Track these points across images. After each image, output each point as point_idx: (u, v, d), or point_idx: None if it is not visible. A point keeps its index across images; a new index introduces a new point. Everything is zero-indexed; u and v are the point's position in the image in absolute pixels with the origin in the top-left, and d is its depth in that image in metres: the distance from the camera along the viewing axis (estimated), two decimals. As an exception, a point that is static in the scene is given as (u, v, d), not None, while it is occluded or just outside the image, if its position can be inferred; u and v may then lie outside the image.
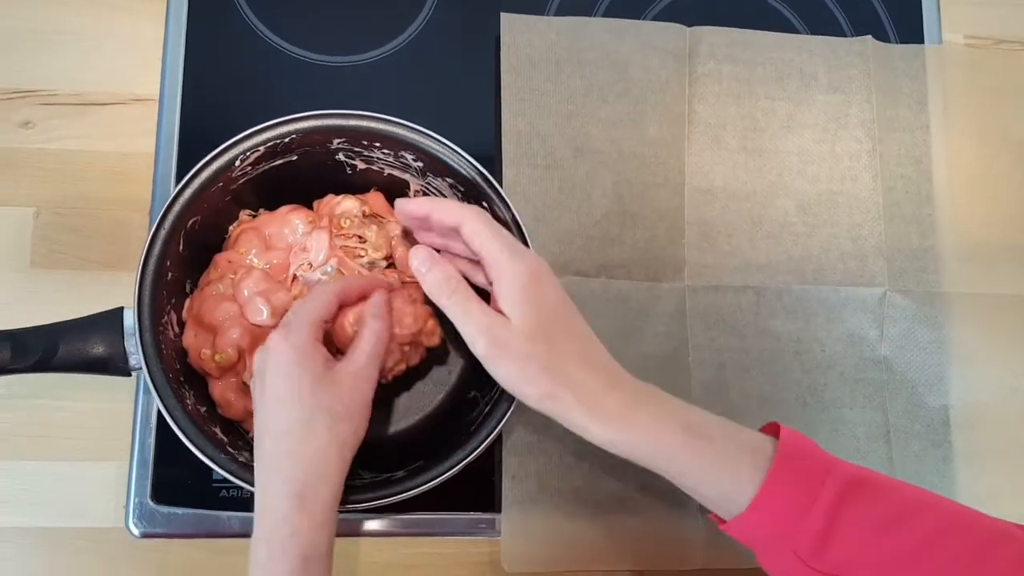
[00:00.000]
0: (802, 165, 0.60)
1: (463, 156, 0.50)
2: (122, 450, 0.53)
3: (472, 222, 0.42)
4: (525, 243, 0.49)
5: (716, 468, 0.41)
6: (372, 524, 0.54)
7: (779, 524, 0.40)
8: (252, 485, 0.44)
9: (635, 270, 0.57)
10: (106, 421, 0.54)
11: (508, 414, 0.47)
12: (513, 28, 0.59)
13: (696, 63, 0.61)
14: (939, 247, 0.61)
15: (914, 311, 0.59)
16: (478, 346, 0.41)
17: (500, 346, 0.41)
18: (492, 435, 0.47)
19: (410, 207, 0.45)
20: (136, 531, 0.52)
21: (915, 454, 0.58)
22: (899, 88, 0.63)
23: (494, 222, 0.43)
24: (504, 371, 0.41)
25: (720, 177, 0.60)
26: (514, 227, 0.50)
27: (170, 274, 0.48)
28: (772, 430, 0.43)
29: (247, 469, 0.45)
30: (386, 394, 0.55)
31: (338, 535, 0.52)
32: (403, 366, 0.50)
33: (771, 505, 0.40)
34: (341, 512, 0.44)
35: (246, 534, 0.51)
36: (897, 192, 0.61)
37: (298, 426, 0.41)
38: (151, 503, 0.52)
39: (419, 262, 0.44)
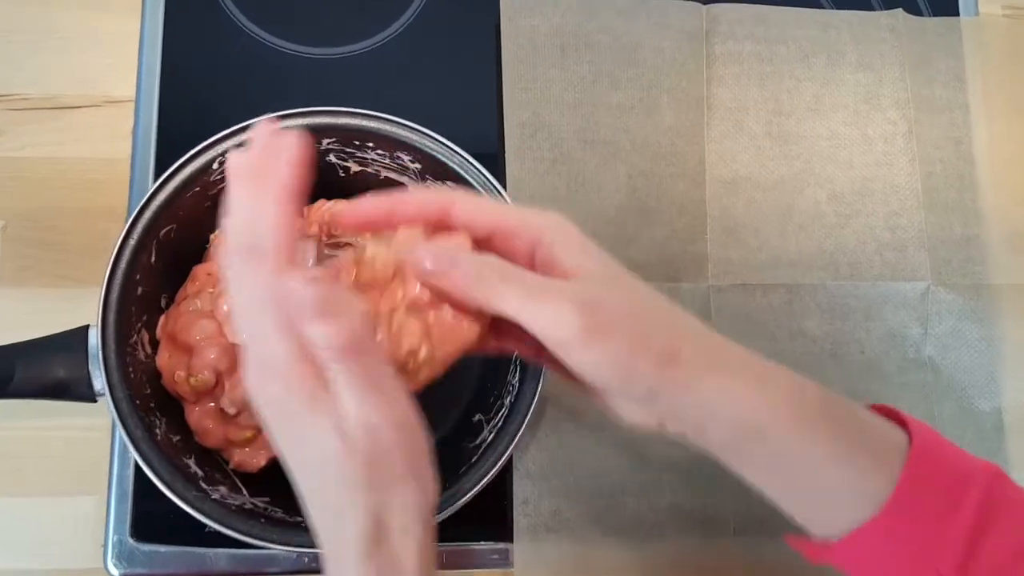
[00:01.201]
0: (832, 150, 0.55)
1: (464, 157, 0.45)
2: (99, 483, 0.48)
3: (465, 198, 0.32)
4: None
5: (833, 460, 0.30)
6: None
7: (910, 544, 0.30)
8: (222, 524, 0.39)
9: (653, 270, 0.52)
10: (81, 451, 0.48)
11: (515, 442, 0.41)
12: (514, 11, 0.54)
13: (714, 43, 0.56)
14: (985, 235, 0.55)
15: (960, 306, 0.54)
16: (570, 322, 0.29)
17: (596, 311, 0.30)
18: (498, 465, 0.41)
19: (363, 208, 0.32)
20: (116, 572, 0.46)
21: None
22: (934, 64, 0.57)
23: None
24: (613, 343, 0.30)
25: (744, 166, 0.54)
26: None
27: (140, 288, 0.43)
28: (885, 413, 0.34)
29: (220, 507, 0.40)
30: None
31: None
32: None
33: (905, 519, 0.30)
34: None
35: (233, 573, 0.47)
36: (936, 177, 0.55)
37: None
38: (131, 541, 0.47)
39: (435, 259, 0.31)
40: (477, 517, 0.46)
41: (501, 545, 0.48)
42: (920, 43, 0.57)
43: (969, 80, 0.57)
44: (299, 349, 0.28)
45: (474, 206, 0.32)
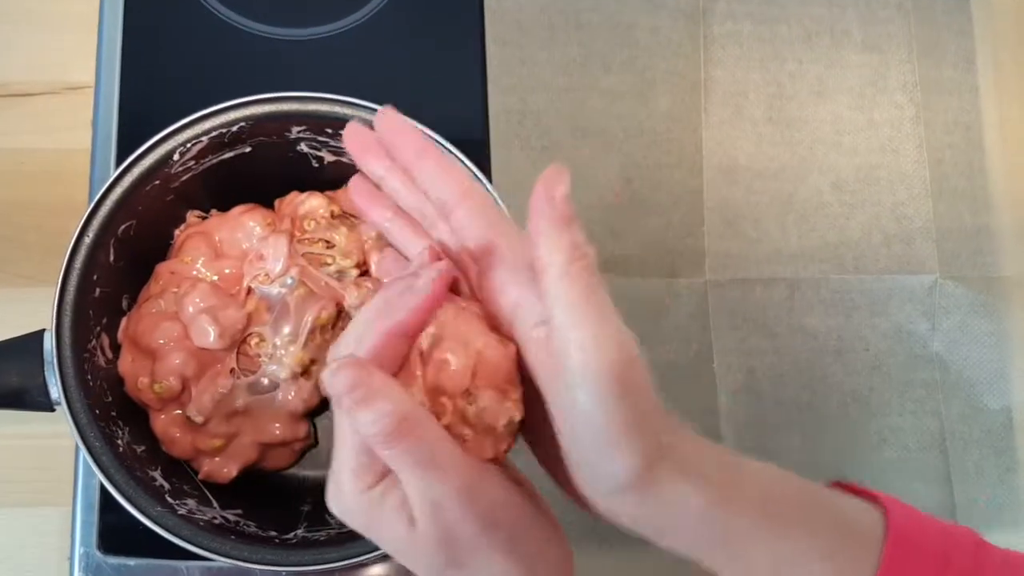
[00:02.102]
0: (836, 136, 0.53)
1: (445, 146, 0.41)
2: (64, 494, 0.45)
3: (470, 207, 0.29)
4: None
5: (808, 558, 0.27)
6: (344, 572, 0.45)
7: None
8: (189, 542, 0.37)
9: (648, 265, 0.50)
10: (45, 461, 0.46)
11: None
12: None
13: (712, 23, 0.53)
14: (995, 225, 0.53)
15: (970, 300, 0.52)
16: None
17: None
18: None
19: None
20: None
21: (975, 464, 0.51)
22: (943, 45, 0.55)
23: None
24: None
25: (743, 153, 0.52)
26: None
27: (99, 290, 0.40)
28: (856, 491, 0.31)
29: (188, 523, 0.37)
30: None
31: None
32: None
33: None
34: (295, 568, 0.37)
35: None
36: (945, 164, 0.54)
37: None
38: (99, 554, 0.44)
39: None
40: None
41: None
42: (929, 23, 0.55)
43: (979, 62, 0.55)
44: (361, 443, 0.26)
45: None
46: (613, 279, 0.49)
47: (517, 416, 0.27)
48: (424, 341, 0.27)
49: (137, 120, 0.48)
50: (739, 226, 0.51)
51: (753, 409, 0.49)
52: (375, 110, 0.41)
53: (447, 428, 0.27)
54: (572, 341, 0.25)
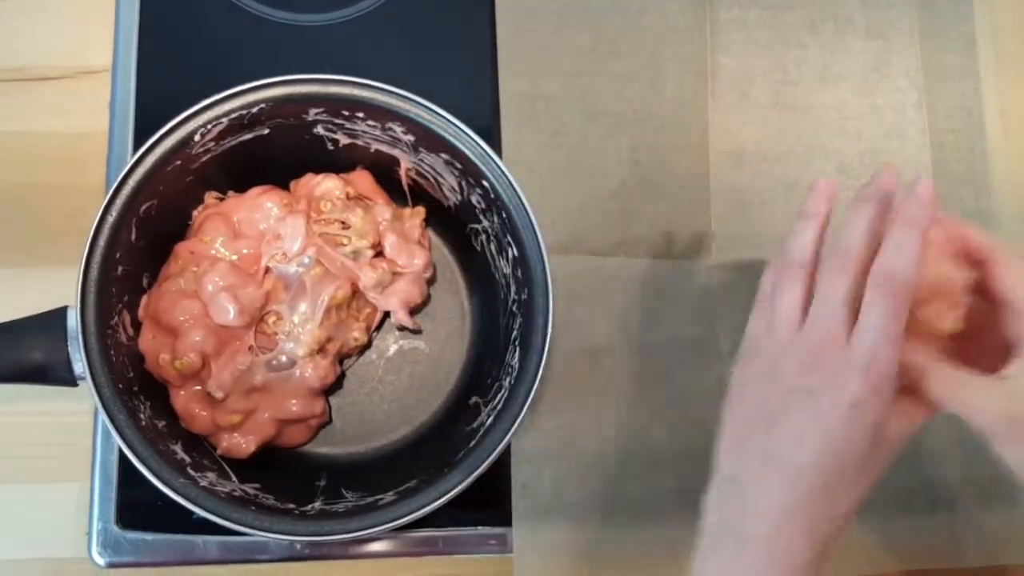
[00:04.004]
0: (841, 121, 0.53)
1: (459, 127, 0.42)
2: (82, 469, 0.46)
3: (1009, 262, 0.34)
4: (530, 224, 0.41)
5: None
6: (359, 543, 0.46)
7: None
8: (212, 513, 0.37)
9: (655, 247, 0.50)
10: (63, 437, 0.46)
11: (516, 425, 0.40)
12: None
13: (718, 9, 0.53)
14: (996, 209, 0.53)
15: None
16: (989, 425, 0.32)
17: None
18: (496, 451, 0.39)
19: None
20: (101, 561, 0.45)
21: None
22: (945, 32, 0.55)
23: None
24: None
25: (749, 138, 0.52)
26: (518, 209, 0.42)
27: (121, 268, 0.41)
28: None
29: (210, 495, 0.38)
30: (370, 402, 0.47)
31: (321, 558, 0.46)
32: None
33: None
34: (314, 539, 0.38)
35: (224, 561, 0.45)
36: (947, 149, 0.53)
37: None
38: (117, 529, 0.45)
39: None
40: (474, 502, 0.45)
41: (499, 530, 0.46)
42: (930, 9, 0.55)
43: (980, 48, 0.55)
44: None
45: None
46: (624, 260, 0.49)
47: (954, 325, 0.35)
48: None
49: (154, 103, 0.49)
50: (745, 209, 0.51)
51: None
52: (393, 92, 0.42)
53: None
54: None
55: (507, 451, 0.47)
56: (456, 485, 0.39)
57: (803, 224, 0.37)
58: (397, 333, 0.49)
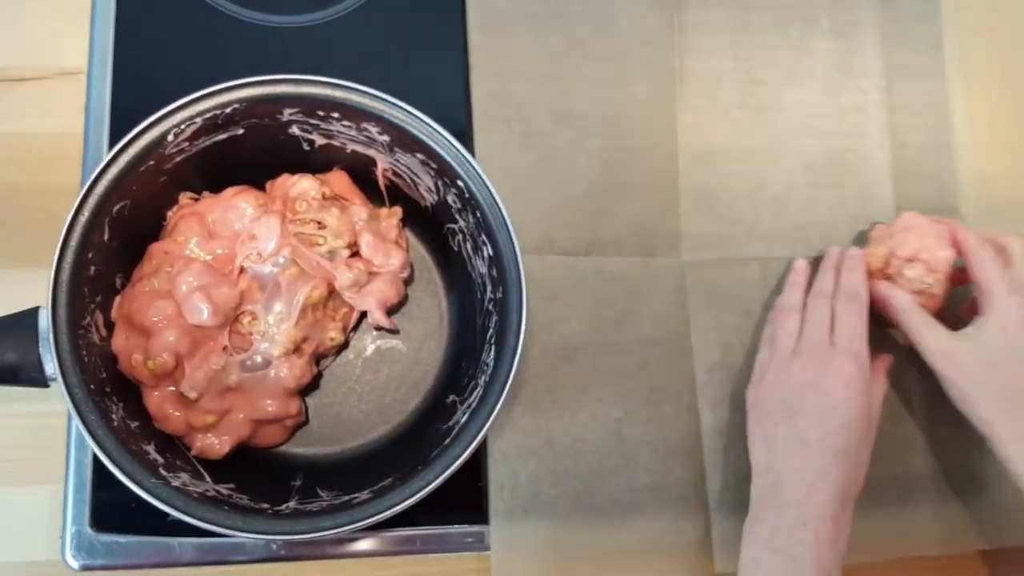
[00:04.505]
0: (806, 120, 0.53)
1: (433, 127, 0.42)
2: (56, 472, 0.45)
3: (982, 254, 0.45)
4: (504, 224, 0.41)
5: None
6: (336, 543, 0.46)
7: None
8: (184, 513, 0.37)
9: (628, 246, 0.50)
10: (37, 439, 0.46)
11: (490, 422, 0.39)
12: None
13: (686, 11, 0.53)
14: (961, 206, 0.53)
15: None
16: (935, 362, 0.45)
17: (955, 367, 0.44)
18: (471, 448, 0.39)
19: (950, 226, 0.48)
20: (75, 563, 0.44)
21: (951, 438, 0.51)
22: (909, 31, 0.55)
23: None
24: (955, 391, 0.44)
25: (717, 138, 0.52)
26: (492, 208, 0.41)
27: (93, 268, 0.40)
28: None
29: (182, 495, 0.37)
30: (347, 402, 0.47)
31: (298, 558, 0.45)
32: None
33: None
34: (288, 537, 0.37)
35: (200, 562, 0.44)
36: (911, 147, 0.54)
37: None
38: (91, 531, 0.44)
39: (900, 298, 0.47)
40: (452, 500, 0.45)
41: (477, 528, 0.46)
42: (894, 9, 0.55)
43: (947, 46, 0.55)
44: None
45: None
46: (596, 259, 0.49)
47: (932, 281, 0.46)
48: (897, 227, 0.48)
49: (130, 105, 0.48)
50: (713, 208, 0.51)
51: (729, 382, 0.49)
52: (366, 92, 0.42)
53: (886, 274, 0.48)
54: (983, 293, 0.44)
55: (484, 450, 0.46)
56: (430, 482, 0.38)
57: (791, 287, 0.49)
58: (374, 333, 0.48)
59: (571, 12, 0.52)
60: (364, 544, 0.46)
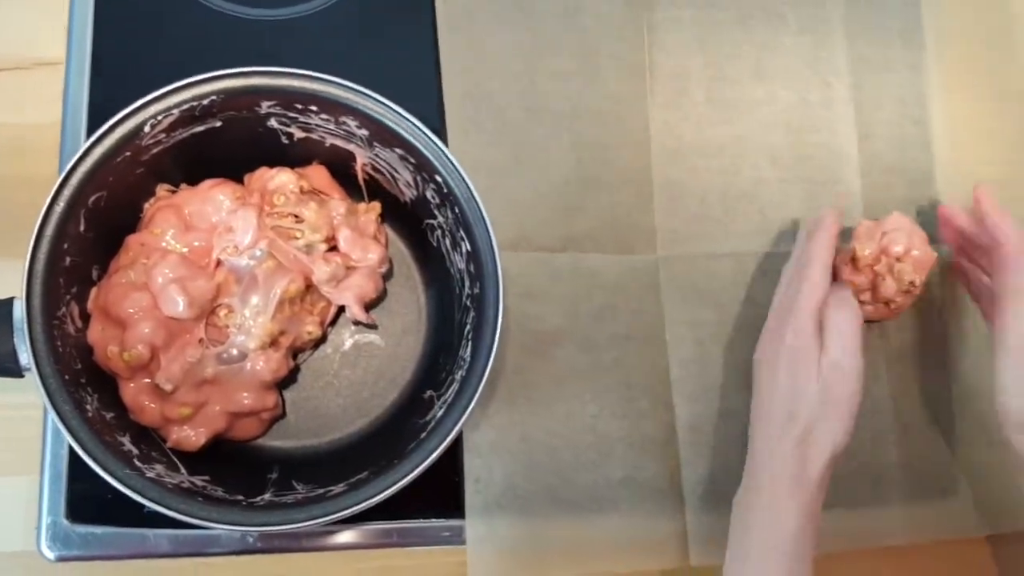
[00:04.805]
0: (774, 115, 0.53)
1: (411, 122, 0.41)
2: (32, 463, 0.45)
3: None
4: (481, 219, 0.42)
5: None
6: (313, 536, 0.46)
7: None
8: (158, 503, 0.37)
9: (603, 241, 0.50)
10: (12, 430, 0.45)
11: (464, 418, 0.39)
12: None
13: (654, 8, 0.53)
14: (933, 197, 0.53)
15: None
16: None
17: None
18: (446, 442, 0.39)
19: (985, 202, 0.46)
20: (50, 554, 0.44)
21: (919, 426, 0.51)
22: (876, 23, 0.55)
23: None
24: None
25: (687, 133, 0.52)
26: (470, 203, 0.41)
27: (69, 259, 0.39)
28: None
29: (156, 486, 0.37)
30: (325, 396, 0.47)
31: (274, 551, 0.45)
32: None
33: None
34: (262, 529, 0.38)
35: (175, 554, 0.44)
36: (878, 139, 0.53)
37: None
38: (66, 522, 0.44)
39: None
40: (428, 494, 0.45)
41: (453, 522, 0.46)
42: (859, 3, 0.55)
43: (927, 39, 0.55)
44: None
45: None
46: (572, 255, 0.49)
47: (918, 280, 0.47)
48: (887, 225, 0.49)
49: (108, 95, 0.48)
50: (686, 203, 0.51)
51: (704, 376, 0.49)
52: (344, 86, 0.41)
53: (874, 272, 0.48)
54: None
55: (459, 445, 0.46)
56: (405, 476, 0.38)
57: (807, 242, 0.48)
58: (353, 328, 0.48)
59: (539, 9, 0.51)
60: (341, 537, 0.45)
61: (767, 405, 0.43)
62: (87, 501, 0.44)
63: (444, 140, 0.49)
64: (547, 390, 0.48)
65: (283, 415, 0.46)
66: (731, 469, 0.46)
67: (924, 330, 0.53)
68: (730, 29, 0.53)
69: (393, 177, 0.46)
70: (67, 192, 0.39)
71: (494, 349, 0.40)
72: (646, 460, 0.48)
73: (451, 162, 0.42)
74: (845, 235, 0.50)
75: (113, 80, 0.48)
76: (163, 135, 0.41)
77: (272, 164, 0.45)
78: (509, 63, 0.50)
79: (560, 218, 0.50)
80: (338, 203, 0.45)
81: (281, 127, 0.44)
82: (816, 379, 0.41)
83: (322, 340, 0.47)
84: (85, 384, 0.39)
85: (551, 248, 0.49)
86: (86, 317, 0.41)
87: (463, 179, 0.42)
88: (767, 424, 0.43)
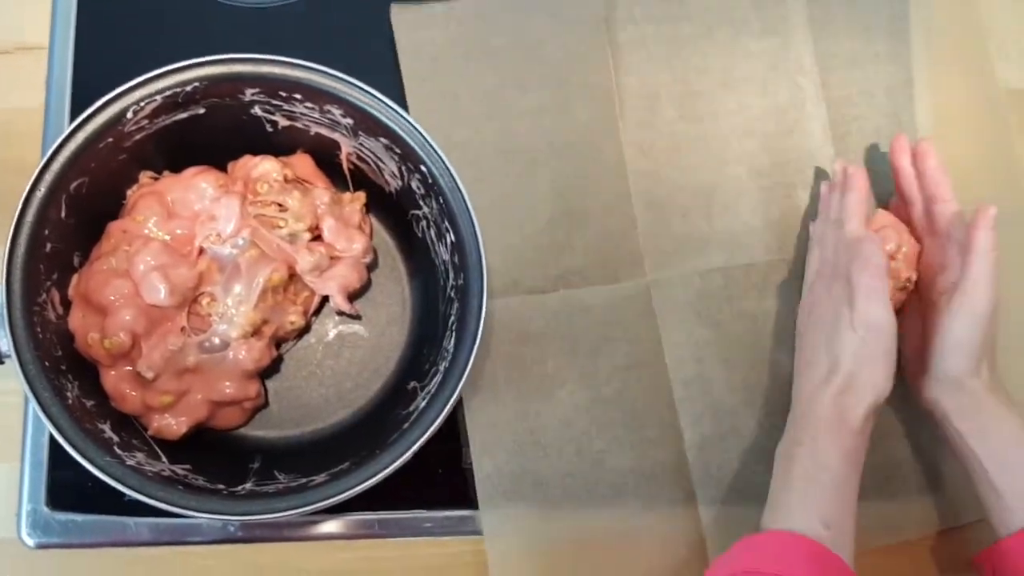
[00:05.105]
0: (747, 124, 0.52)
1: (396, 111, 0.41)
2: (12, 450, 0.44)
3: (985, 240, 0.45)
4: (466, 210, 0.41)
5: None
6: (295, 526, 0.46)
7: None
8: (137, 491, 0.36)
9: (592, 274, 0.49)
10: (-8, 417, 0.44)
11: (447, 409, 0.39)
12: (407, 26, 0.49)
13: (616, 30, 0.52)
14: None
15: None
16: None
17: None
18: (428, 433, 0.38)
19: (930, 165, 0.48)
20: (31, 541, 0.44)
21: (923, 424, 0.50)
22: (838, 18, 0.53)
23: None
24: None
25: (662, 153, 0.51)
26: (455, 193, 0.41)
27: (49, 245, 0.39)
28: None
29: (136, 474, 0.36)
30: (308, 386, 0.47)
31: (255, 540, 0.45)
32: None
33: None
34: (242, 518, 0.37)
35: (156, 543, 0.44)
36: (852, 137, 0.52)
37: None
38: (47, 510, 0.44)
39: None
40: (412, 486, 0.45)
41: (434, 513, 0.46)
42: None
43: (913, 33, 0.54)
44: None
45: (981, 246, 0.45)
46: (563, 293, 0.48)
47: (914, 277, 0.48)
48: (875, 223, 0.48)
49: (91, 81, 0.47)
50: (668, 223, 0.50)
51: (706, 395, 0.48)
52: (328, 74, 0.41)
53: None
54: (974, 296, 0.43)
55: (440, 434, 0.46)
56: (386, 467, 0.38)
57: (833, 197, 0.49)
58: (337, 318, 0.47)
59: (500, 47, 0.50)
60: (323, 527, 0.45)
61: (808, 356, 0.44)
62: (68, 489, 0.44)
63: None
64: (553, 432, 0.47)
65: (266, 405, 0.46)
66: (743, 488, 0.46)
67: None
68: (695, 41, 0.52)
69: (378, 167, 0.45)
70: (48, 177, 0.39)
71: (478, 340, 0.40)
72: (658, 488, 0.47)
73: (436, 152, 0.41)
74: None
75: (96, 66, 0.48)
76: (146, 121, 0.41)
77: (256, 152, 0.45)
78: (478, 108, 0.50)
79: (548, 257, 0.49)
80: (322, 192, 0.45)
81: (265, 115, 0.44)
82: (854, 333, 0.42)
83: (305, 330, 0.47)
84: (66, 371, 0.39)
85: (542, 289, 0.49)
86: (67, 304, 0.41)
87: (448, 170, 0.41)
88: (810, 376, 0.44)
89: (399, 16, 0.50)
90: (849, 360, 0.42)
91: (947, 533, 0.49)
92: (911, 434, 0.50)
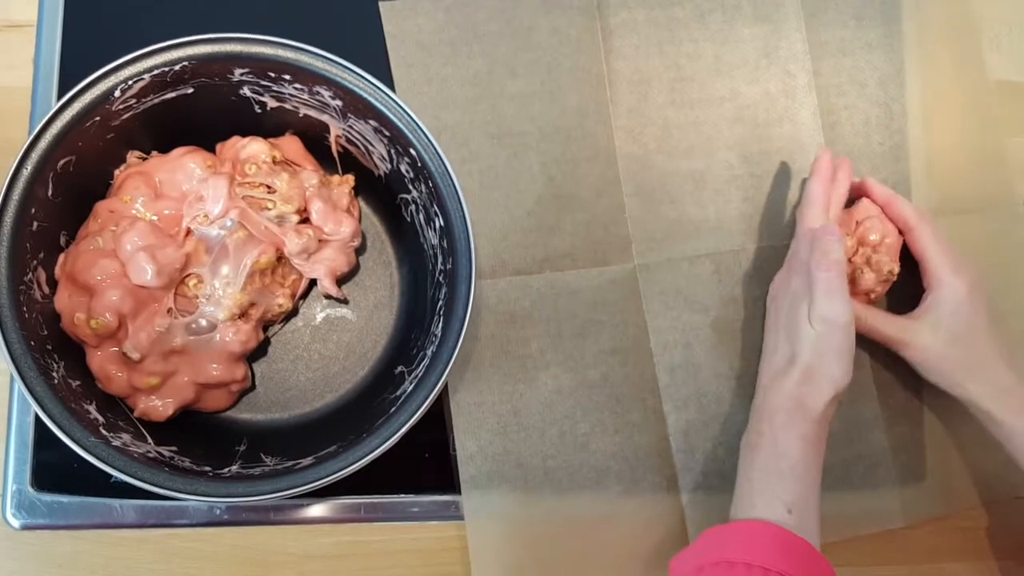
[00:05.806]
0: (737, 111, 0.52)
1: (385, 93, 0.40)
2: (-3, 430, 0.43)
3: (924, 230, 0.48)
4: (455, 194, 0.41)
5: None
6: (281, 509, 0.45)
7: None
8: (123, 472, 0.36)
9: (580, 257, 0.49)
10: (-24, 398, 0.43)
11: (434, 394, 0.38)
12: (395, 14, 0.49)
13: (607, 14, 0.51)
14: (905, 176, 0.53)
15: None
16: (899, 349, 0.48)
17: (920, 350, 0.47)
18: (415, 417, 0.38)
19: (877, 189, 0.49)
20: (15, 522, 0.43)
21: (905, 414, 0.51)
22: (830, 6, 0.53)
23: (940, 233, 0.47)
24: (923, 368, 0.48)
25: (652, 138, 0.51)
26: (444, 178, 0.41)
27: (36, 223, 0.38)
28: None
29: (120, 454, 0.36)
30: (295, 370, 0.46)
31: (242, 523, 0.45)
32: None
33: None
34: (227, 500, 0.37)
35: (142, 525, 0.43)
36: (841, 126, 0.53)
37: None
38: (32, 491, 0.43)
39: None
40: (398, 470, 0.45)
41: (419, 498, 0.46)
42: None
43: (905, 23, 0.54)
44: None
45: (922, 235, 0.49)
46: (550, 275, 0.48)
47: (896, 268, 0.48)
48: (859, 214, 0.49)
49: (79, 59, 0.47)
50: (658, 209, 0.50)
51: (693, 381, 0.48)
52: (318, 55, 0.40)
53: (853, 264, 0.48)
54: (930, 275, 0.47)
55: (427, 419, 0.46)
56: (372, 450, 0.37)
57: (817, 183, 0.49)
58: (325, 301, 0.47)
59: (490, 32, 0.50)
60: (310, 511, 0.45)
61: (772, 345, 0.45)
62: (53, 469, 0.43)
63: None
64: (537, 414, 0.47)
65: (252, 387, 0.45)
66: (726, 475, 0.46)
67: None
68: (687, 26, 0.52)
69: (367, 150, 0.45)
70: (35, 155, 0.38)
71: (466, 325, 0.39)
72: (642, 472, 0.47)
73: (426, 136, 0.41)
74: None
75: (85, 44, 0.47)
76: (134, 100, 0.40)
77: (245, 133, 0.44)
78: (467, 91, 0.49)
79: (536, 240, 0.49)
80: (311, 174, 0.45)
81: (254, 96, 0.43)
82: (812, 328, 0.43)
83: (293, 313, 0.46)
84: (51, 351, 0.38)
85: (529, 271, 0.48)
86: (53, 283, 0.40)
87: (437, 153, 0.41)
88: (770, 364, 0.44)
89: (388, 8, 0.50)
90: (807, 353, 0.43)
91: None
92: (895, 424, 0.50)
